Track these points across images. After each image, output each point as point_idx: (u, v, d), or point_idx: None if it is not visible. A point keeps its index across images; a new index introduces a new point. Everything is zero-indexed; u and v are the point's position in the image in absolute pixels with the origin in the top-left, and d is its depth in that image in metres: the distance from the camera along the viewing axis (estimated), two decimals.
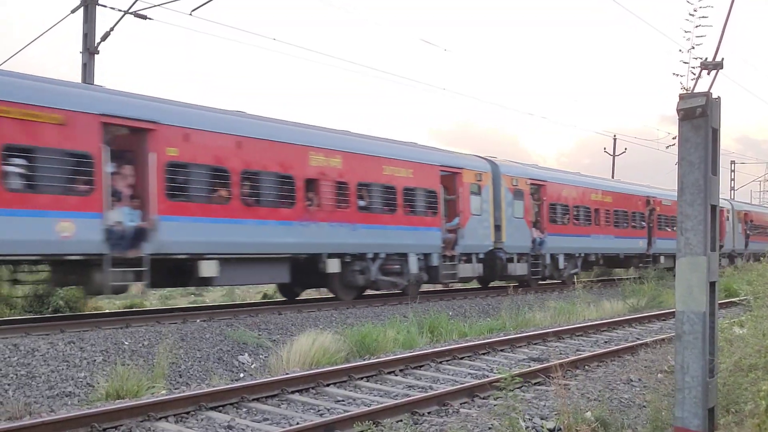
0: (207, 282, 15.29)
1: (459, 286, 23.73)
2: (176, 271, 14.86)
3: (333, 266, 17.05)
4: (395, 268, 18.89)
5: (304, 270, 16.99)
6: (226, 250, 14.99)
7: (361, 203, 17.96)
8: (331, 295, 19.22)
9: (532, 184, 24.42)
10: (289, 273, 16.58)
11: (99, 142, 12.99)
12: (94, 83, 18.44)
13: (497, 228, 22.41)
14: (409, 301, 17.62)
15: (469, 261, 21.42)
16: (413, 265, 19.26)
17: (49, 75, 13.20)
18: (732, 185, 60.02)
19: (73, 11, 18.98)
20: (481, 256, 21.98)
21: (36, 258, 12.90)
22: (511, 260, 22.96)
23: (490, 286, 24.71)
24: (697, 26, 5.28)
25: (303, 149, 16.53)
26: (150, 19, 19.19)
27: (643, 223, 30.40)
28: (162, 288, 17.33)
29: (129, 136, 13.88)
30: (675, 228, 4.87)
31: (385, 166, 18.61)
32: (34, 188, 12.25)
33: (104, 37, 19.01)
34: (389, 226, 18.58)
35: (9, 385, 9.80)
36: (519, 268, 23.30)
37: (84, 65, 18.90)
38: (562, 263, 25.56)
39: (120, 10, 19.00)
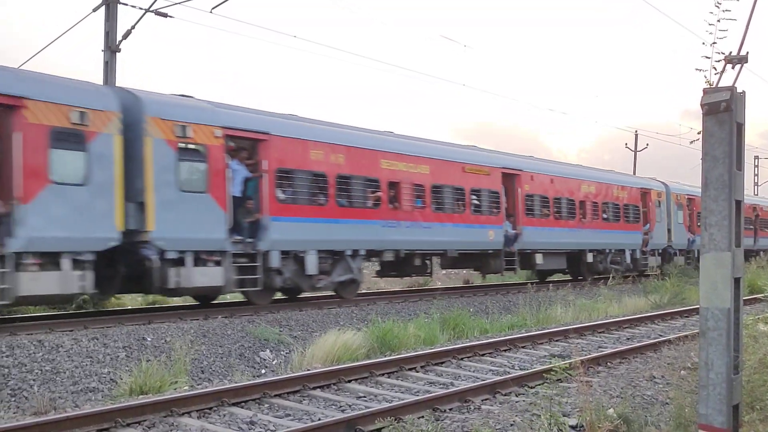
0: (536, 266, 24.14)
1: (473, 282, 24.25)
2: (522, 261, 23.14)
3: (589, 258, 25.86)
4: (617, 260, 27.27)
5: (570, 261, 25.68)
6: (547, 247, 23.96)
7: (604, 216, 26.81)
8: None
9: (687, 198, 32.66)
10: (566, 262, 25.50)
11: (501, 184, 22.02)
12: (116, 82, 18.61)
13: (668, 231, 30.83)
14: (433, 298, 18.26)
15: (653, 255, 29.87)
16: (627, 257, 27.90)
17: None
18: (756, 180, 59.38)
19: (94, 10, 19.13)
20: (659, 251, 30.39)
21: (482, 251, 21.63)
22: (675, 254, 31.24)
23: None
24: (719, 20, 5.23)
25: (578, 182, 25.67)
26: (171, 17, 19.31)
27: (752, 226, 38.05)
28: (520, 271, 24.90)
29: (504, 178, 22.26)
30: None
31: (614, 190, 27.67)
32: (480, 211, 21.08)
33: (126, 35, 19.15)
34: (617, 230, 27.56)
35: (34, 380, 9.92)
36: (680, 261, 30.97)
37: (106, 63, 19.04)
38: None
39: (141, 8, 19.13)
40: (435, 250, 20.29)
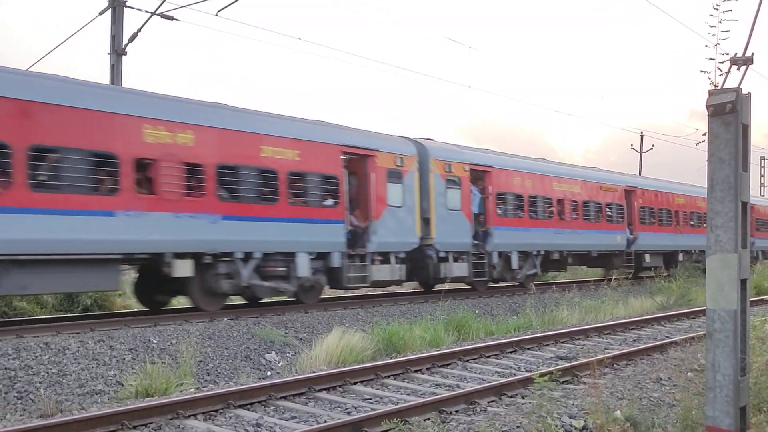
0: (644, 263, 28.94)
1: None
2: (633, 259, 28.25)
3: (680, 257, 30.97)
4: (700, 259, 30.75)
5: (667, 259, 31.12)
6: (654, 248, 29.64)
7: (691, 222, 32.51)
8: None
9: None
10: (662, 260, 30.72)
11: (624, 198, 27.87)
12: (122, 85, 18.65)
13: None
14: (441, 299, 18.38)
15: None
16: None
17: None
18: (762, 181, 59.25)
19: (101, 13, 19.18)
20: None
21: (611, 251, 27.18)
22: None
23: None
24: (721, 21, 5.22)
25: (674, 195, 31.45)
26: (176, 20, 19.35)
27: None
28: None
29: (625, 193, 28.17)
30: None
31: (697, 201, 32.88)
32: (611, 220, 26.92)
33: (132, 39, 19.19)
34: (701, 234, 31.43)
35: (40, 383, 9.94)
36: None
37: (112, 66, 19.10)
38: None
39: (147, 12, 19.18)
40: (584, 251, 25.88)
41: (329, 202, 16.71)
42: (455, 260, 20.19)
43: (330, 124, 17.78)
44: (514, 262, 22.20)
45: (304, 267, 15.95)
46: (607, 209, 26.90)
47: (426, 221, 19.30)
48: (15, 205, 11.74)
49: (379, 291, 22.01)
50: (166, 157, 13.61)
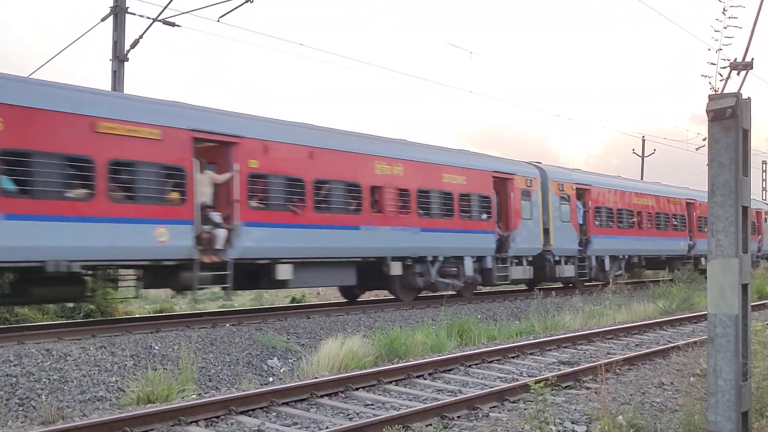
0: (699, 266, 30.58)
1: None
2: (693, 262, 31.26)
3: None
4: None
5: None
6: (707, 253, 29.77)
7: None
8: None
9: None
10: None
11: (686, 210, 32.27)
12: (124, 90, 18.66)
13: None
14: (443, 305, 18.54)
15: (764, 258, 39.10)
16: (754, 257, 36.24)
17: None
18: (764, 186, 59.23)
19: (103, 19, 19.21)
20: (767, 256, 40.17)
21: (676, 256, 30.93)
22: None
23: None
24: (726, 26, 5.22)
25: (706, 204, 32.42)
26: (178, 26, 19.37)
27: None
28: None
29: (687, 205, 32.21)
30: None
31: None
32: (676, 229, 31.15)
33: (133, 45, 19.22)
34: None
35: (42, 389, 9.93)
36: None
37: (114, 73, 19.11)
38: None
39: (149, 18, 19.20)
40: (656, 255, 30.28)
41: (484, 216, 20.97)
42: (565, 263, 24.34)
43: (482, 155, 22.90)
44: (607, 264, 26.62)
45: (469, 268, 20.40)
46: (674, 219, 31.29)
47: (545, 231, 23.38)
48: (306, 222, 15.98)
49: (381, 295, 22.07)
50: (387, 185, 18.06)
